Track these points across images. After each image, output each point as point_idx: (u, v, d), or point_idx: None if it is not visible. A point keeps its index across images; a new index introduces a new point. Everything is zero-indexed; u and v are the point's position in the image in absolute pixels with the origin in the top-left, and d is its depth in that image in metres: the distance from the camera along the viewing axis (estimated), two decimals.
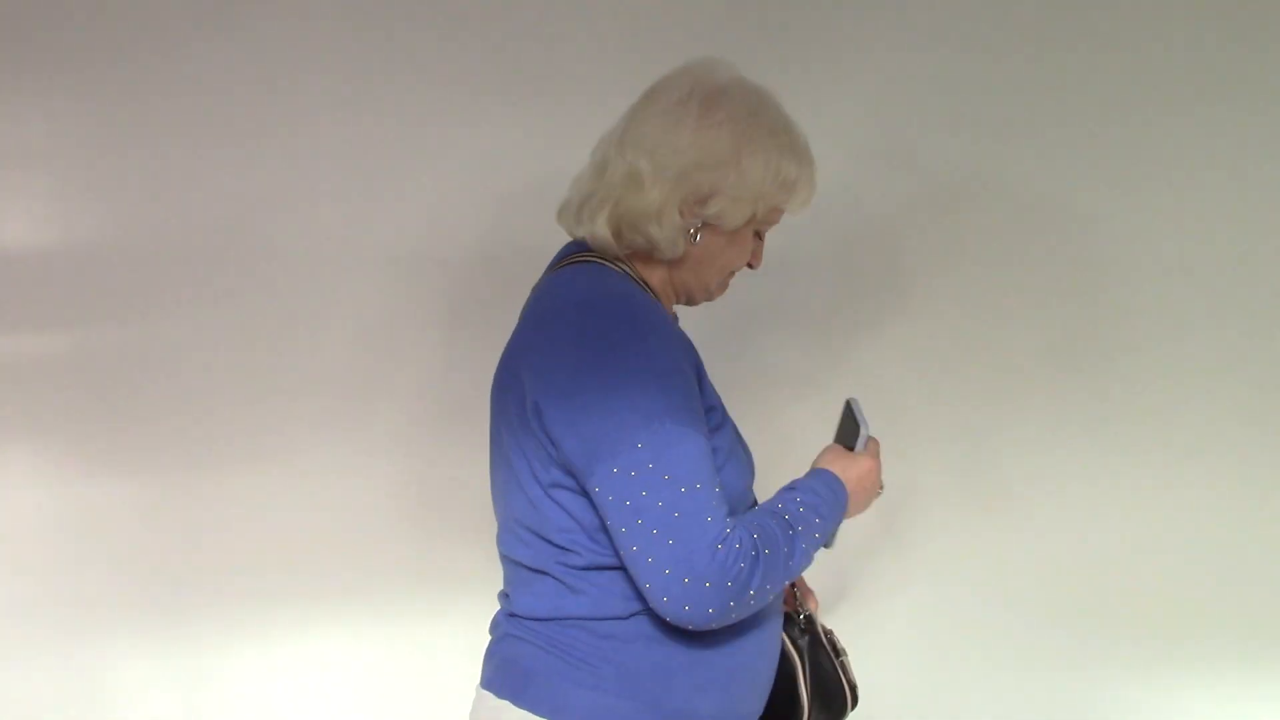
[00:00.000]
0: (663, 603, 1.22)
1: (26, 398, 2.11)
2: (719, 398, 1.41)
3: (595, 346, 1.29)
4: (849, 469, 1.44)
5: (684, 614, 1.22)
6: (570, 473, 1.30)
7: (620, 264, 1.44)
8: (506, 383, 1.40)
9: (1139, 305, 2.14)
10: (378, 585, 2.18)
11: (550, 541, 1.34)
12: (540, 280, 1.48)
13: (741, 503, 1.38)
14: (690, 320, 1.59)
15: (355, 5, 2.11)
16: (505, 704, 1.33)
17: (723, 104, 1.40)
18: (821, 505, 1.38)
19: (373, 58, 2.11)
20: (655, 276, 1.47)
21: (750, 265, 1.53)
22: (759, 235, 1.51)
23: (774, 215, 1.48)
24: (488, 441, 1.52)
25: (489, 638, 1.47)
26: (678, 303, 1.54)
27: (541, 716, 1.30)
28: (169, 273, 2.12)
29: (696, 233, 1.42)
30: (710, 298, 1.54)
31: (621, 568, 1.30)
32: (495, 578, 2.09)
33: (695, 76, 1.43)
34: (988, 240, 2.15)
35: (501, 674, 1.37)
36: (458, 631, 2.19)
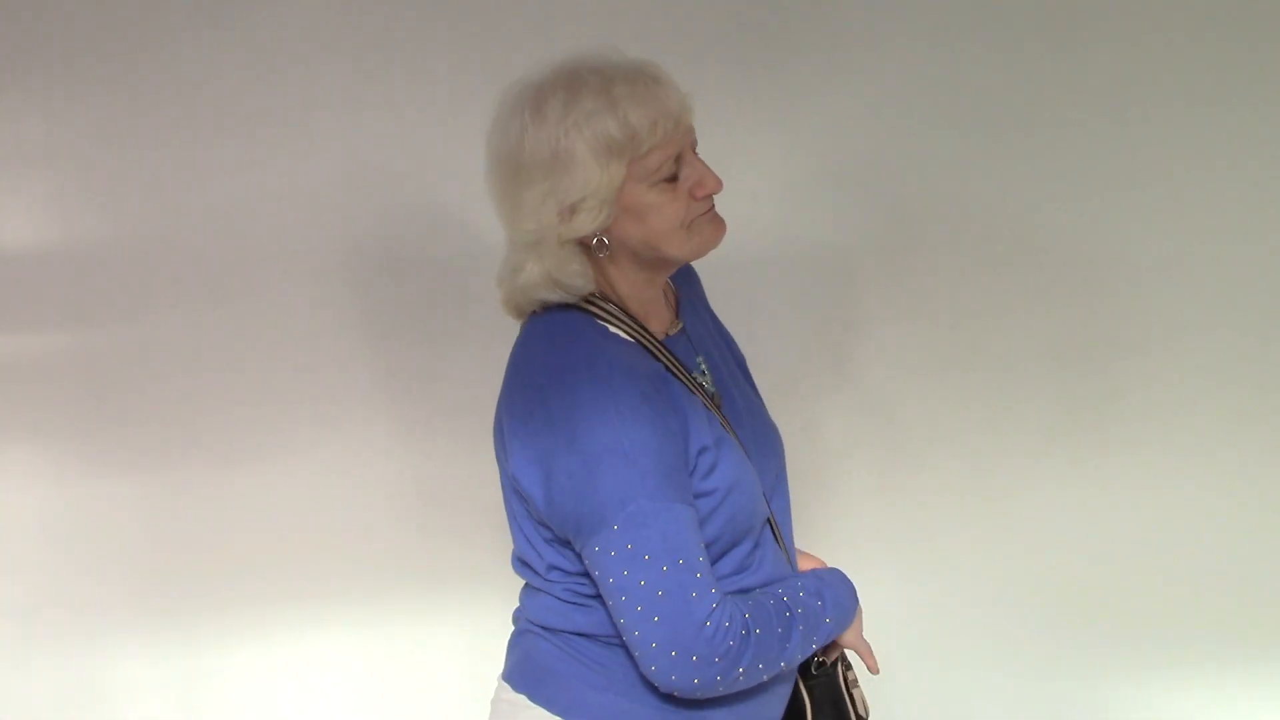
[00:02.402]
0: (650, 671, 1.23)
1: (26, 398, 2.11)
2: (713, 426, 1.32)
3: (561, 429, 1.25)
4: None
5: (671, 683, 1.23)
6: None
7: (585, 302, 1.34)
8: (499, 434, 1.37)
9: (1139, 305, 2.14)
10: (377, 585, 2.19)
11: (551, 579, 1.36)
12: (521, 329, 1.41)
13: (755, 521, 1.36)
14: None
15: (354, 5, 2.11)
16: (522, 698, 1.35)
17: (508, 135, 1.29)
18: (826, 590, 1.37)
19: (372, 57, 2.11)
20: (624, 289, 1.36)
21: (709, 194, 1.31)
22: (672, 179, 1.29)
23: (655, 158, 1.27)
24: (484, 442, 1.51)
25: (510, 629, 1.47)
26: (671, 274, 1.41)
27: (556, 715, 1.32)
28: (169, 273, 2.12)
29: (600, 245, 1.31)
30: (698, 247, 1.33)
31: None
32: (493, 576, 2.09)
33: (489, 145, 1.33)
34: (987, 240, 2.15)
35: (521, 668, 1.38)
36: (458, 631, 2.21)
